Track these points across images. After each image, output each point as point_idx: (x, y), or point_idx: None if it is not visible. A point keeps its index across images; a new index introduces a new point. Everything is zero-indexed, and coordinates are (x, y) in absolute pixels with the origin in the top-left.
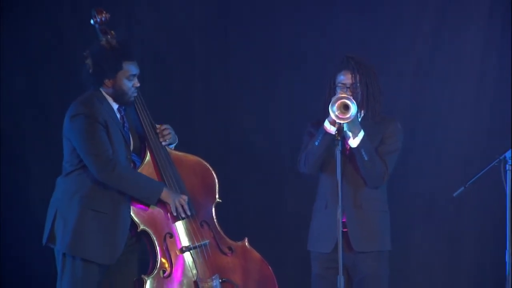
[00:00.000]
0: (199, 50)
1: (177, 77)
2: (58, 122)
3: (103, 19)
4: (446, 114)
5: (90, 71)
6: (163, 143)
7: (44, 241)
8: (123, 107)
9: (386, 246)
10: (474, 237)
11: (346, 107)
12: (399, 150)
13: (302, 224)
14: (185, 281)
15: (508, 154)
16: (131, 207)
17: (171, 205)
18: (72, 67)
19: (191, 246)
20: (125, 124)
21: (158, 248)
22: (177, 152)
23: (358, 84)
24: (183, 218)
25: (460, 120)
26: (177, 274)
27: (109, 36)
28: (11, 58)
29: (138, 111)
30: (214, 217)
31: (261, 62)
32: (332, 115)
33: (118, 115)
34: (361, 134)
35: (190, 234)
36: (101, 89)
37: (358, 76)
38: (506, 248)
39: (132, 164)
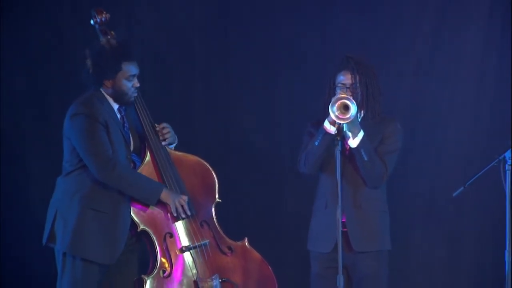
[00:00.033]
0: (199, 50)
1: (177, 77)
2: (58, 122)
3: (103, 19)
4: (446, 114)
5: (90, 71)
6: (163, 143)
7: (44, 241)
8: (123, 107)
9: (385, 246)
10: (474, 237)
11: (346, 108)
12: (398, 150)
13: (302, 224)
14: (185, 281)
15: (507, 154)
16: (131, 207)
17: (171, 206)
18: (72, 67)
19: (191, 246)
20: (125, 124)
21: (158, 248)
22: (177, 152)
23: (358, 85)
24: (183, 218)
25: (460, 120)
26: (177, 274)
27: (109, 37)
28: (11, 58)
29: (138, 111)
30: (214, 217)
31: (261, 62)
32: (332, 115)
33: (119, 115)
34: (361, 134)
35: (190, 234)
36: (101, 89)
37: (358, 77)
38: (505, 248)
39: (132, 164)
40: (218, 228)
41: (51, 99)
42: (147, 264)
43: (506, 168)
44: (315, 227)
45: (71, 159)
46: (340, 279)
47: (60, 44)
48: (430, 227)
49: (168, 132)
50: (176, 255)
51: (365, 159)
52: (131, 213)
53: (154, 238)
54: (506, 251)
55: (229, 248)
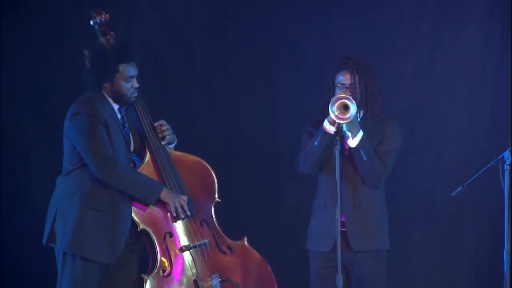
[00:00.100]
0: (199, 50)
1: (177, 77)
2: (58, 122)
3: (102, 20)
4: (446, 114)
5: (89, 73)
6: (163, 143)
7: (44, 240)
8: (124, 107)
9: (384, 246)
10: (473, 237)
11: (346, 107)
12: (397, 150)
13: (301, 224)
14: (184, 280)
15: (506, 154)
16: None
17: (170, 205)
18: (72, 67)
19: (191, 245)
20: (126, 125)
21: (158, 247)
22: (176, 152)
23: (357, 85)
24: (183, 218)
25: (460, 120)
26: (177, 273)
27: (108, 37)
28: (11, 58)
29: (138, 111)
30: (214, 216)
31: (261, 62)
32: (331, 115)
33: (119, 116)
34: (360, 134)
35: (190, 233)
36: (101, 90)
37: (357, 77)
38: (504, 247)
39: (132, 164)
40: (218, 227)
41: (51, 99)
42: (146, 264)
43: (505, 168)
44: (314, 226)
45: (71, 158)
46: (339, 279)
47: (60, 44)
48: (429, 227)
49: (167, 129)
50: (176, 255)
51: (364, 159)
52: (132, 213)
53: (154, 237)
54: (504, 251)
55: (229, 247)
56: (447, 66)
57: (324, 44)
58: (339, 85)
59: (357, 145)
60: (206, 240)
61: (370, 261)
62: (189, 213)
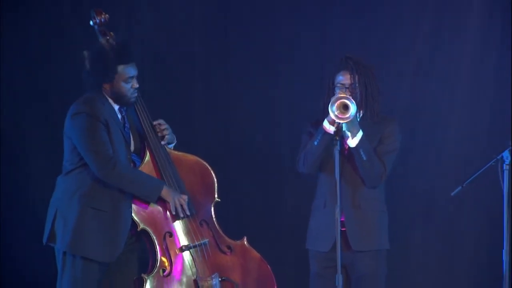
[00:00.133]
0: (199, 50)
1: (177, 77)
2: (58, 122)
3: (102, 20)
4: (446, 114)
5: (88, 74)
6: (162, 143)
7: (44, 240)
8: (124, 108)
9: (384, 245)
10: (473, 237)
11: (345, 107)
12: (397, 150)
13: (301, 224)
14: (184, 280)
15: (505, 154)
16: (133, 206)
17: (170, 204)
18: (72, 67)
19: (191, 245)
20: (126, 125)
21: (158, 247)
22: (176, 152)
23: (357, 85)
24: (182, 218)
25: (460, 120)
26: (177, 273)
27: (108, 37)
28: (11, 58)
29: (138, 111)
30: (213, 216)
31: (261, 62)
32: (331, 114)
33: (119, 116)
34: (360, 134)
35: (190, 233)
36: (102, 91)
37: (357, 77)
38: (503, 247)
39: (132, 164)
40: (218, 227)
41: (51, 99)
42: (146, 264)
43: (504, 167)
44: (314, 226)
45: (71, 158)
46: (339, 278)
47: (60, 44)
48: (429, 227)
49: (166, 128)
50: (176, 254)
51: (364, 158)
52: (132, 213)
53: (154, 237)
54: (503, 250)
55: (228, 247)
56: (447, 66)
57: (324, 44)
58: (339, 85)
59: (357, 145)
60: (206, 240)
61: (369, 260)
62: (188, 213)
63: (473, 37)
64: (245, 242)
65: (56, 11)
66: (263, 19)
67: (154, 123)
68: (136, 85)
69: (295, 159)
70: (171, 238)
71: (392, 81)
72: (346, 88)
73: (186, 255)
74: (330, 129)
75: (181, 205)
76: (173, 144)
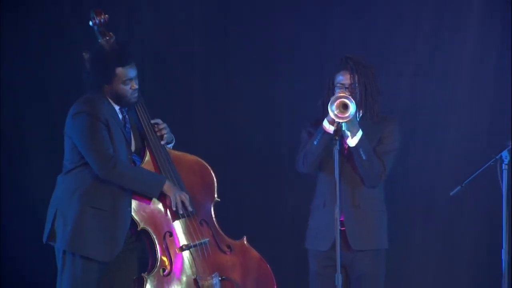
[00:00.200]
0: (199, 50)
1: (177, 77)
2: (58, 122)
3: (102, 20)
4: (446, 114)
5: (88, 74)
6: (162, 142)
7: (44, 239)
8: (125, 108)
9: (383, 245)
10: (473, 236)
11: (345, 106)
12: (396, 150)
13: (301, 223)
14: (185, 279)
15: (504, 153)
16: (133, 205)
17: (171, 199)
18: (72, 67)
19: (191, 244)
20: (127, 125)
21: (158, 246)
22: (176, 152)
23: (356, 85)
24: (182, 216)
25: (460, 120)
26: (177, 272)
27: (107, 38)
28: (11, 58)
29: (138, 111)
30: (213, 216)
31: (261, 62)
32: (331, 114)
33: (120, 116)
34: (359, 133)
35: (190, 232)
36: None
37: (356, 77)
38: (502, 247)
39: (132, 164)
40: (217, 227)
41: (51, 99)
42: (146, 263)
43: (503, 167)
44: (313, 225)
45: (71, 157)
46: (338, 278)
47: (60, 44)
48: (429, 227)
49: (164, 128)
50: (176, 254)
51: (364, 158)
52: (131, 212)
53: (154, 236)
54: (503, 250)
55: (228, 246)
56: (447, 66)
57: (324, 44)
58: (338, 85)
59: (356, 145)
60: (206, 239)
61: (369, 260)
62: (191, 209)
63: (473, 37)
64: (245, 242)
65: (56, 11)
66: (263, 19)
67: (151, 122)
68: (136, 86)
69: (294, 159)
70: (171, 238)
71: (392, 81)
72: (346, 88)
73: (186, 254)
74: (330, 128)
75: (182, 202)
76: (172, 144)
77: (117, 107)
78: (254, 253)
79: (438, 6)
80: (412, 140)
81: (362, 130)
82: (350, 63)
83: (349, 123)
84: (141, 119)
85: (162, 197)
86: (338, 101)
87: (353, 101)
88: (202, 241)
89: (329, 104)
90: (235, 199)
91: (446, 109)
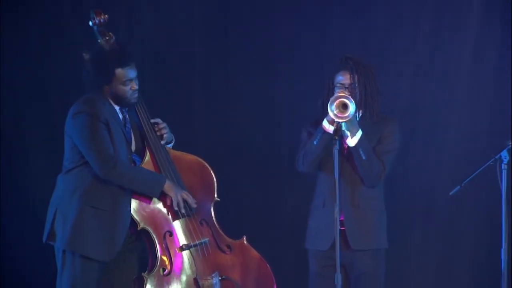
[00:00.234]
0: (199, 50)
1: (177, 77)
2: (58, 122)
3: (101, 20)
4: (446, 114)
5: (88, 75)
6: (162, 142)
7: (44, 238)
8: (126, 108)
9: (383, 245)
10: (472, 236)
11: (344, 106)
12: (396, 150)
13: (301, 223)
14: (185, 279)
15: (503, 153)
16: (133, 205)
17: (173, 199)
18: (72, 67)
19: (191, 244)
20: (127, 125)
21: (158, 246)
22: (176, 152)
23: (356, 85)
24: (182, 216)
25: (460, 120)
26: (177, 272)
27: (107, 38)
28: (11, 58)
29: (138, 111)
30: (213, 215)
31: (261, 62)
32: (330, 113)
33: (121, 116)
34: (359, 133)
35: (190, 232)
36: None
37: (356, 77)
38: (501, 246)
39: (132, 164)
40: (217, 226)
41: (51, 99)
42: (146, 263)
43: (502, 167)
44: (313, 225)
45: (71, 156)
46: (338, 277)
47: (60, 44)
48: (429, 227)
49: (164, 127)
50: (176, 253)
51: (363, 158)
52: (131, 212)
53: (154, 236)
54: (502, 249)
55: (228, 246)
56: (447, 66)
57: (324, 44)
58: (338, 85)
59: (356, 144)
60: (206, 239)
61: (368, 259)
62: (193, 206)
63: (473, 37)
64: (245, 241)
65: (56, 11)
66: (263, 19)
67: (151, 121)
68: (136, 87)
69: (294, 158)
70: (171, 237)
71: (392, 81)
72: (345, 88)
73: (186, 254)
74: (330, 128)
75: (184, 200)
76: (172, 144)
77: (117, 107)
78: (254, 253)
79: (438, 6)
80: (412, 140)
81: (362, 130)
82: (350, 63)
83: (349, 123)
84: (141, 119)
85: (162, 197)
86: (337, 101)
87: (353, 101)
88: (202, 240)
89: (328, 104)
90: (235, 199)
91: (446, 109)
